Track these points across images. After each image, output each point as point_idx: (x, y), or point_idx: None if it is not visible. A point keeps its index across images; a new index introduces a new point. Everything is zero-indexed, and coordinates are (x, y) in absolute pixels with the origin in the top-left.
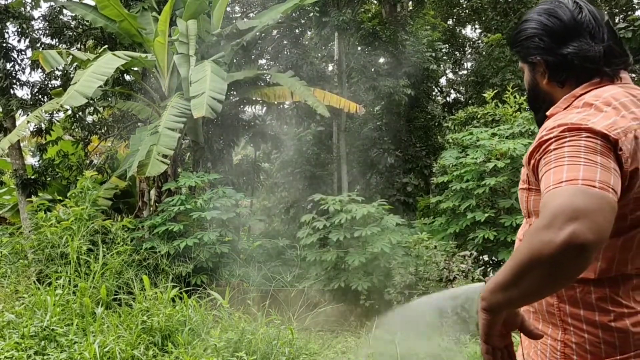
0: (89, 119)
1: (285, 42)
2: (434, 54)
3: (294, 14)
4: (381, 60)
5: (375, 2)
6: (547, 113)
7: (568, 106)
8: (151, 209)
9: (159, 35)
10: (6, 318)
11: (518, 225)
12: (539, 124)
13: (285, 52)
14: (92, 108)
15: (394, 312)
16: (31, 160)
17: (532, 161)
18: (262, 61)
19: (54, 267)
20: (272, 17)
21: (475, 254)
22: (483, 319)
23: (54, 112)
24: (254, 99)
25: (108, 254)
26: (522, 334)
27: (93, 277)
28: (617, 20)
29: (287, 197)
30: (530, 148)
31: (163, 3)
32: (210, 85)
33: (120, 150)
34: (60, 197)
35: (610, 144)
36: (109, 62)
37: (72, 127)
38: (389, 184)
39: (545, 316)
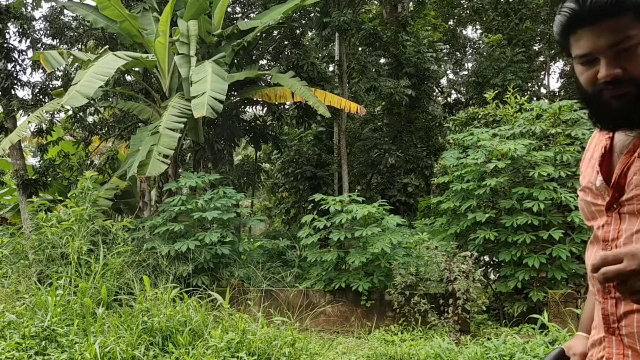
0: (90, 119)
1: (286, 42)
2: (434, 55)
3: (294, 15)
4: (382, 60)
5: (376, 2)
6: None
7: None
8: (152, 209)
9: (159, 36)
10: (7, 318)
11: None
12: None
13: (286, 53)
14: (93, 108)
15: None
16: (32, 160)
17: None
18: (263, 61)
19: (55, 267)
20: (273, 17)
21: (476, 254)
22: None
23: (55, 113)
24: (254, 99)
25: (109, 254)
26: None
27: (94, 278)
28: None
29: (287, 198)
30: None
31: (164, 3)
32: (211, 86)
33: (121, 150)
34: (61, 198)
35: None
36: (110, 63)
37: (73, 128)
38: (390, 185)
39: None
